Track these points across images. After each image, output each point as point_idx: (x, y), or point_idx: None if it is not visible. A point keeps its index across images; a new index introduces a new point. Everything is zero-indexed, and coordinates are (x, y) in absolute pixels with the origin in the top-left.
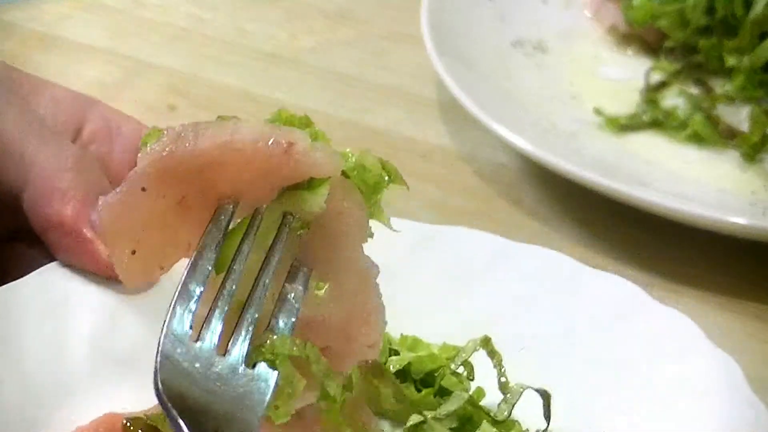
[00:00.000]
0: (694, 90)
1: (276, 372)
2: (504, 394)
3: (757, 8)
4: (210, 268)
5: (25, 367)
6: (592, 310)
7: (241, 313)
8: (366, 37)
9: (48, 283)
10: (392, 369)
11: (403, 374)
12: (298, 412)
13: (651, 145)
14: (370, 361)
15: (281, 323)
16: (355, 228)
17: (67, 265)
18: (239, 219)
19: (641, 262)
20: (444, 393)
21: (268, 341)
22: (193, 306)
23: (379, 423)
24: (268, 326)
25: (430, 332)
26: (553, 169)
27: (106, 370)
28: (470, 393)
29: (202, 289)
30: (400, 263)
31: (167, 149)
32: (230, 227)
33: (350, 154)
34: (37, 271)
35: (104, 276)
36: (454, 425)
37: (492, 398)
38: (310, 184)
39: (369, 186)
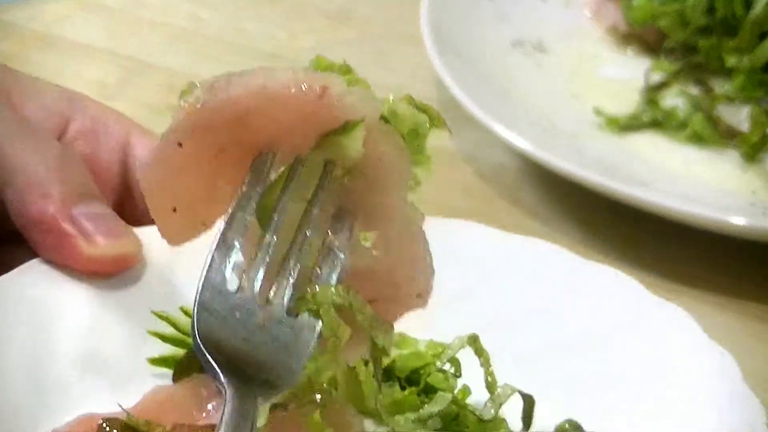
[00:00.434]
0: (694, 90)
1: (319, 322)
2: (490, 393)
3: (757, 8)
4: (249, 218)
5: (3, 365)
6: (587, 304)
7: (283, 263)
8: (366, 37)
9: (29, 281)
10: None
11: (388, 372)
12: (273, 418)
13: (651, 145)
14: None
15: (325, 274)
16: (396, 173)
17: (50, 262)
18: (279, 169)
19: (641, 262)
20: (429, 391)
21: (311, 291)
22: (232, 256)
23: (363, 422)
24: (311, 278)
25: (417, 326)
26: (553, 169)
27: (87, 368)
28: (455, 392)
29: (241, 238)
30: None
31: (201, 101)
32: (270, 178)
33: (390, 100)
34: (19, 268)
35: (86, 273)
36: (438, 427)
37: (478, 397)
38: (346, 128)
39: (408, 131)
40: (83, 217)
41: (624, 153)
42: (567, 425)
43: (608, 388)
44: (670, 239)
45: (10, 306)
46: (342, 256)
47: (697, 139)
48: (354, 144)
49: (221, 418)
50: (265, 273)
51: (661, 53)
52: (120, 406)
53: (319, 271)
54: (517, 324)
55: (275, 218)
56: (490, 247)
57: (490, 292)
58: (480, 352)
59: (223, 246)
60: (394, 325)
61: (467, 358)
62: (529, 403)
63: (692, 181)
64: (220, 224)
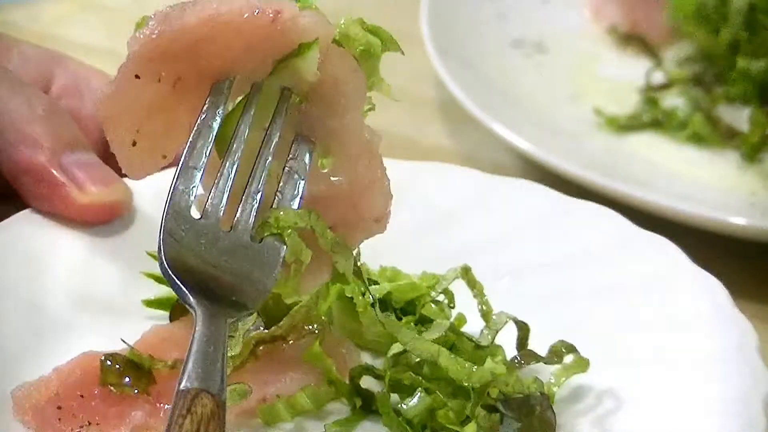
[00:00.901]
0: (694, 90)
1: (284, 246)
2: (486, 322)
3: None
4: (209, 145)
5: (2, 311)
6: (573, 237)
7: (245, 189)
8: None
9: (21, 230)
10: (373, 299)
11: (384, 304)
12: (270, 352)
13: (651, 145)
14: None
15: (286, 199)
16: (352, 94)
17: (41, 211)
18: (238, 98)
19: None
20: (425, 321)
21: (274, 215)
22: (194, 183)
23: (360, 355)
24: (273, 204)
25: (410, 265)
26: (553, 169)
27: (82, 314)
28: (451, 320)
29: (202, 166)
30: None
31: (156, 31)
32: (229, 106)
33: (341, 24)
34: (10, 219)
35: (78, 221)
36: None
37: (474, 327)
38: (300, 50)
39: (361, 53)
40: (74, 166)
41: (624, 153)
42: (560, 346)
43: (596, 319)
44: (670, 239)
45: (4, 255)
46: (302, 181)
47: (697, 139)
48: (309, 65)
49: (192, 335)
50: (228, 199)
51: (662, 55)
52: (123, 341)
53: (280, 197)
54: (499, 259)
55: (234, 146)
56: (473, 189)
57: (472, 230)
58: (473, 283)
59: (185, 174)
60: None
61: (460, 290)
62: (523, 330)
63: (692, 181)
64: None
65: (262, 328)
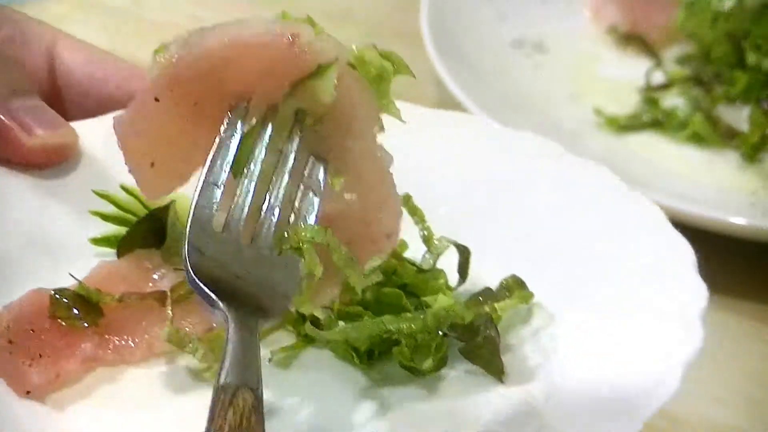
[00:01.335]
0: (694, 90)
1: (302, 259)
2: (427, 247)
3: None
4: (228, 165)
5: None
6: (510, 165)
7: (263, 207)
8: (366, 37)
9: None
10: None
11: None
12: None
13: (651, 145)
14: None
15: (303, 216)
16: (365, 116)
17: None
18: (254, 119)
19: None
20: None
21: (293, 230)
22: (215, 198)
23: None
24: (290, 220)
25: None
26: None
27: (31, 253)
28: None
29: (222, 183)
30: None
31: (176, 56)
32: (246, 128)
33: (355, 48)
34: None
35: (26, 164)
36: (379, 279)
37: (415, 253)
38: (318, 71)
39: (374, 77)
40: (21, 111)
41: (624, 153)
42: (510, 280)
43: (536, 230)
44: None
45: None
46: (317, 200)
47: (697, 139)
48: (327, 86)
49: (226, 337)
50: (248, 215)
51: (662, 55)
52: (72, 275)
53: (296, 214)
54: (447, 182)
55: (252, 166)
56: (419, 119)
57: (421, 157)
58: (413, 210)
59: (206, 190)
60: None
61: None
62: (464, 254)
63: (692, 181)
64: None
65: None
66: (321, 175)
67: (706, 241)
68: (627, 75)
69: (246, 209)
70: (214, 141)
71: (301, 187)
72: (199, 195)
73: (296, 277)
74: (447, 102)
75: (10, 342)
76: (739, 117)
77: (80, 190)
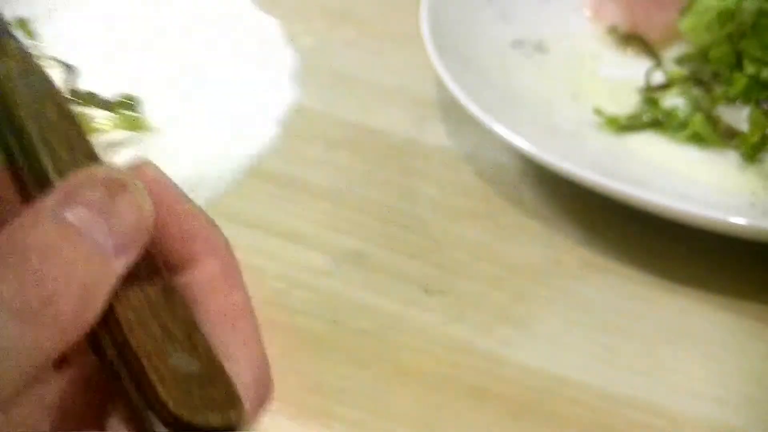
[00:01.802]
0: (694, 90)
1: None
2: None
3: None
4: None
5: None
6: None
7: None
8: (366, 37)
9: None
10: None
11: None
12: None
13: (651, 145)
14: None
15: None
16: None
17: None
18: None
19: (641, 262)
20: None
21: None
22: None
23: None
24: None
25: None
26: (553, 169)
27: None
28: None
29: None
30: None
31: None
32: None
33: None
34: None
35: None
36: None
37: None
38: None
39: None
40: None
41: (624, 153)
42: (123, 98)
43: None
44: (670, 239)
45: None
46: None
47: (697, 139)
48: None
49: None
50: None
51: (662, 55)
52: None
53: None
54: None
55: None
56: None
57: None
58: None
59: None
60: None
61: None
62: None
63: (692, 181)
64: None
65: None
66: None
67: (706, 241)
68: (627, 75)
69: None
70: None
71: None
72: None
73: None
74: (447, 102)
75: None
76: (739, 117)
77: None
